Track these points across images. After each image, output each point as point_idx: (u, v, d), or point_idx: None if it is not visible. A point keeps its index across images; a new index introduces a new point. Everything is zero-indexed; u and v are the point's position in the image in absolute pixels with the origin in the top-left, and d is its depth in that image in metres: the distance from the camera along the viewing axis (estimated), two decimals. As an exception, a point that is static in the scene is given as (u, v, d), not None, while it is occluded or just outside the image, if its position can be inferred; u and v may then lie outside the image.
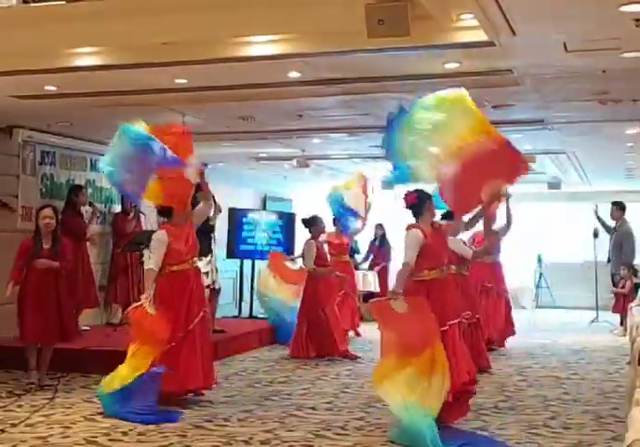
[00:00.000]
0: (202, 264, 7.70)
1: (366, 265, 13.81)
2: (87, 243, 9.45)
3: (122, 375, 6.09)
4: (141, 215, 10.40)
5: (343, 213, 10.59)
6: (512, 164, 5.39)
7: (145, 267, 6.61)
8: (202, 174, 6.69)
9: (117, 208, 10.64)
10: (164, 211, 6.85)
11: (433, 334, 5.44)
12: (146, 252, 7.07)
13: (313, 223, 9.56)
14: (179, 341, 6.40)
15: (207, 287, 8.56)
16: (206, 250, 8.52)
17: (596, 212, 12.41)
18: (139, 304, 6.27)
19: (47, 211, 7.09)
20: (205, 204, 6.86)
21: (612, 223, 12.17)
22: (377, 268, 13.51)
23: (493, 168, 5.33)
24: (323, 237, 9.91)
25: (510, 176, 5.49)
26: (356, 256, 13.71)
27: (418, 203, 6.00)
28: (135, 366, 6.10)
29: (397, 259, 12.51)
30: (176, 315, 6.40)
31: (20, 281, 6.96)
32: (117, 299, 10.16)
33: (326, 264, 9.59)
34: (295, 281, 10.12)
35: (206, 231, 8.52)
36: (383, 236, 14.03)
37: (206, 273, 8.82)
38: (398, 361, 5.48)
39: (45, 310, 6.94)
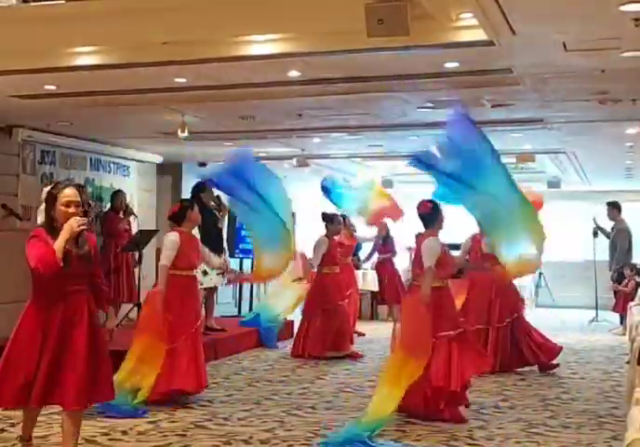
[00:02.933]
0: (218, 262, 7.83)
1: (368, 265, 13.72)
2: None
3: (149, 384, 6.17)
4: (132, 216, 10.37)
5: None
6: None
7: (160, 263, 6.64)
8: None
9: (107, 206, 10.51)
10: (175, 216, 6.87)
11: (424, 345, 5.59)
12: (164, 253, 7.09)
13: (331, 221, 9.36)
14: (181, 343, 6.44)
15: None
16: (219, 249, 8.68)
17: (596, 224, 12.50)
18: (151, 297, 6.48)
19: (71, 193, 4.43)
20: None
21: (609, 225, 12.26)
22: (381, 257, 13.31)
23: None
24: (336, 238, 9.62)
25: None
26: (359, 254, 13.58)
27: (431, 213, 6.24)
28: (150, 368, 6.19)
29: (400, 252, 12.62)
30: (179, 317, 6.46)
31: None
32: None
33: (335, 263, 9.36)
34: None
35: (216, 232, 8.98)
36: (387, 233, 13.96)
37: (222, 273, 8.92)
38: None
39: (74, 356, 4.40)
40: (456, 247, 9.62)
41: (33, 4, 5.78)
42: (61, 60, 6.03)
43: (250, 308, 12.38)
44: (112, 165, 10.92)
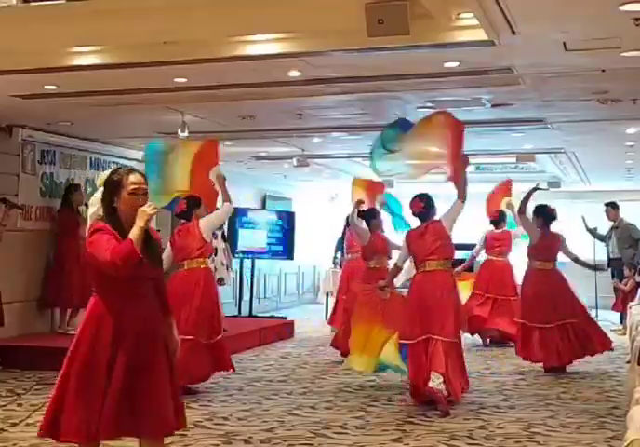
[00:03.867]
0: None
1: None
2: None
3: None
4: None
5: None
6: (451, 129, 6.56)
7: None
8: (223, 182, 7.11)
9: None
10: (184, 214, 7.06)
11: None
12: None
13: (374, 216, 8.85)
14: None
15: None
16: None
17: (586, 225, 12.44)
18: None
19: (137, 179, 3.76)
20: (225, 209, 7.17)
21: (606, 227, 12.23)
22: None
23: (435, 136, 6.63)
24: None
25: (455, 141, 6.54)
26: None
27: (422, 211, 6.36)
28: None
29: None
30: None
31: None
32: None
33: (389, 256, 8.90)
34: None
35: None
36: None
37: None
38: None
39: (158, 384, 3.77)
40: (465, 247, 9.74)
41: (33, 4, 5.77)
42: (62, 60, 6.03)
43: (250, 308, 12.39)
44: (112, 165, 10.89)
